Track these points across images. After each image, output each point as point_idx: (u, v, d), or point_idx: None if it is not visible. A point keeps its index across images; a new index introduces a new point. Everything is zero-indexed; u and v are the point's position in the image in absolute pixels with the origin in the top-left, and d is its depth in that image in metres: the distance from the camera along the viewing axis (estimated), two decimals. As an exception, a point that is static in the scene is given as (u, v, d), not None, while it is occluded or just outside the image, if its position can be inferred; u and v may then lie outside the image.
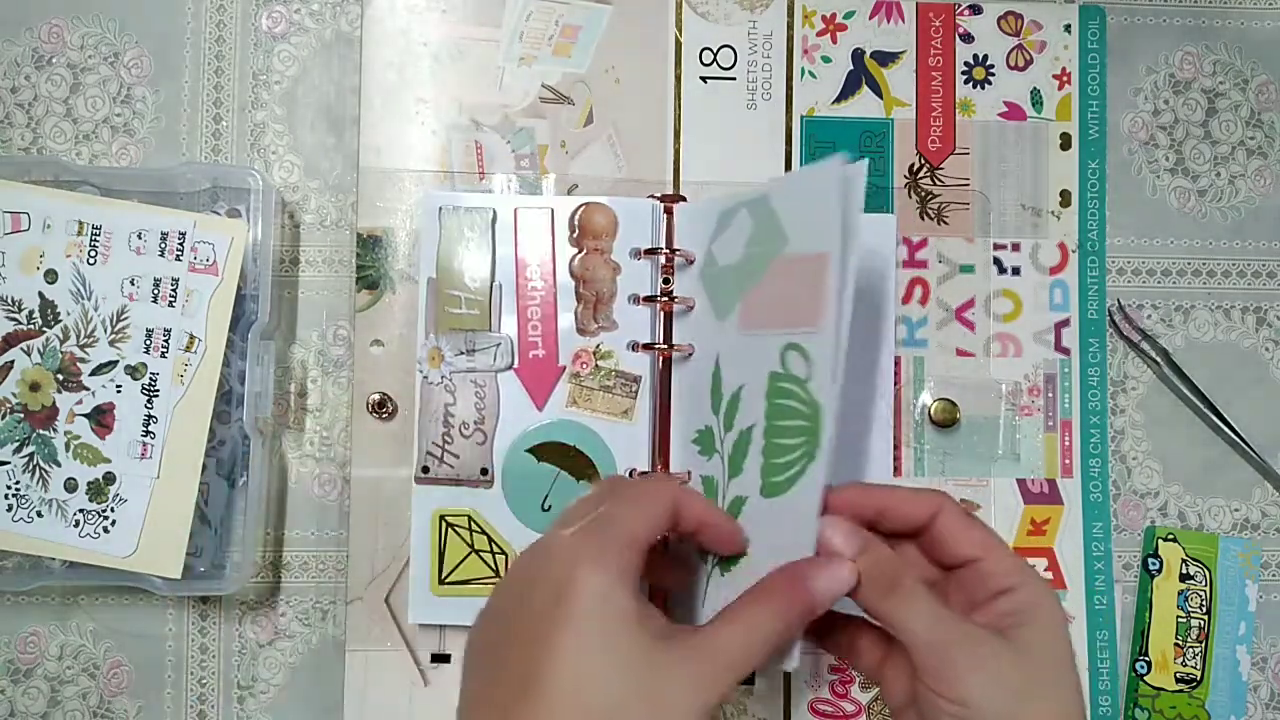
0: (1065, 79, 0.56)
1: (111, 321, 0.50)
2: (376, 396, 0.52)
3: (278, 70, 0.55)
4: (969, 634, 0.37)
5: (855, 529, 0.39)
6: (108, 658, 0.53)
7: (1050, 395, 0.54)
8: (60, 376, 0.50)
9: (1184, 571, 0.54)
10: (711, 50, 0.55)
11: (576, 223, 0.52)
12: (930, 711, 0.38)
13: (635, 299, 0.51)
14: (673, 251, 0.51)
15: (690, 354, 0.51)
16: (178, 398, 0.50)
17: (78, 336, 0.50)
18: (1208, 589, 0.54)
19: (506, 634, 0.36)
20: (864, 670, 0.42)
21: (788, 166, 0.54)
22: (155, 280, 0.50)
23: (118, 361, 0.50)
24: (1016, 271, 0.55)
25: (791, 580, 0.38)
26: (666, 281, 0.52)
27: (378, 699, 0.51)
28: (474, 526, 0.51)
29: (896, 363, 0.54)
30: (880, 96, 0.55)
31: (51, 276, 0.50)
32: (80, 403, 0.50)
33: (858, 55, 0.55)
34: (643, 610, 0.35)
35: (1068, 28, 0.56)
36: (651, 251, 0.51)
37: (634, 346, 0.51)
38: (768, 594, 0.37)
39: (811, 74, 0.55)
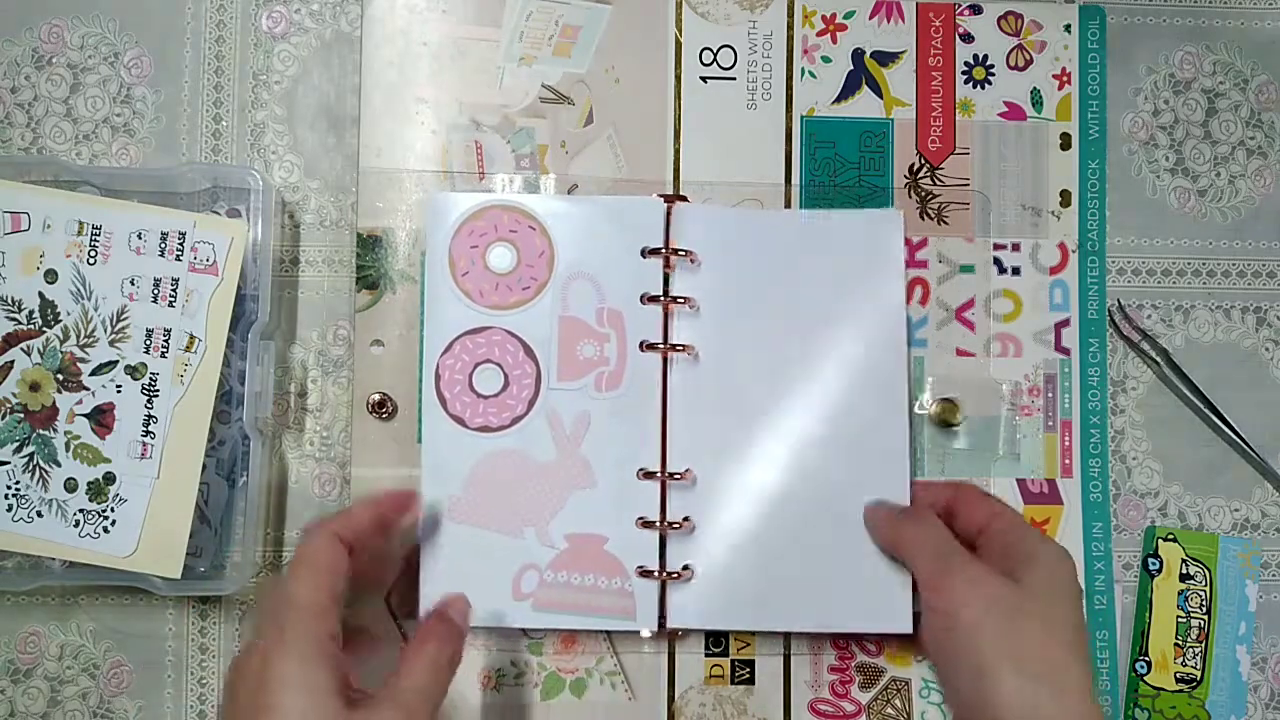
0: (1065, 79, 0.56)
1: (111, 321, 0.50)
2: (376, 396, 0.52)
3: (278, 70, 0.55)
4: (967, 560, 0.44)
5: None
6: (108, 658, 0.53)
7: (1050, 395, 0.54)
8: (60, 376, 0.50)
9: (1184, 571, 0.54)
10: (711, 50, 0.55)
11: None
12: (928, 623, 0.45)
13: (645, 298, 0.51)
14: (672, 252, 0.51)
15: (695, 354, 0.51)
16: (178, 398, 0.50)
17: (78, 336, 0.50)
18: (1208, 589, 0.54)
19: (231, 714, 0.39)
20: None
21: (788, 166, 0.54)
22: (155, 280, 0.50)
23: (118, 361, 0.50)
24: (1016, 271, 0.55)
25: (439, 619, 0.43)
26: (666, 280, 0.52)
27: (378, 699, 0.51)
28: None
29: (896, 363, 0.54)
30: (880, 96, 0.55)
31: (51, 276, 0.50)
32: (80, 403, 0.50)
33: (858, 55, 0.55)
34: (337, 684, 0.38)
35: (1068, 28, 0.56)
36: (655, 251, 0.51)
37: (643, 346, 0.51)
38: (426, 634, 0.42)
39: (811, 74, 0.55)
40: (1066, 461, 0.54)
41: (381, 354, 0.53)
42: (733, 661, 0.53)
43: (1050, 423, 0.54)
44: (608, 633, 0.52)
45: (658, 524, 0.51)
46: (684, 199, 0.53)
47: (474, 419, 0.52)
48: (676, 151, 0.54)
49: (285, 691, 0.37)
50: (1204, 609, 0.54)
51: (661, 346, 0.51)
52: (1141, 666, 0.54)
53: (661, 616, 0.51)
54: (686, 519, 0.51)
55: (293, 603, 0.39)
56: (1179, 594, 0.54)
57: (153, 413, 0.50)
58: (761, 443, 0.51)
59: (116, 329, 0.50)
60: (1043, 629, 0.42)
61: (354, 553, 0.42)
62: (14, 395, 0.50)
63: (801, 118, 0.55)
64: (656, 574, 0.51)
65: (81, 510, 0.49)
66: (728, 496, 0.51)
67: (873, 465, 0.51)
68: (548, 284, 0.52)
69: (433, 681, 0.41)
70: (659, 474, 0.51)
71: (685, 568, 0.51)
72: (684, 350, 0.51)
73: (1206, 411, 0.55)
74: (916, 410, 0.54)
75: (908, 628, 0.50)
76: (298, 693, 0.37)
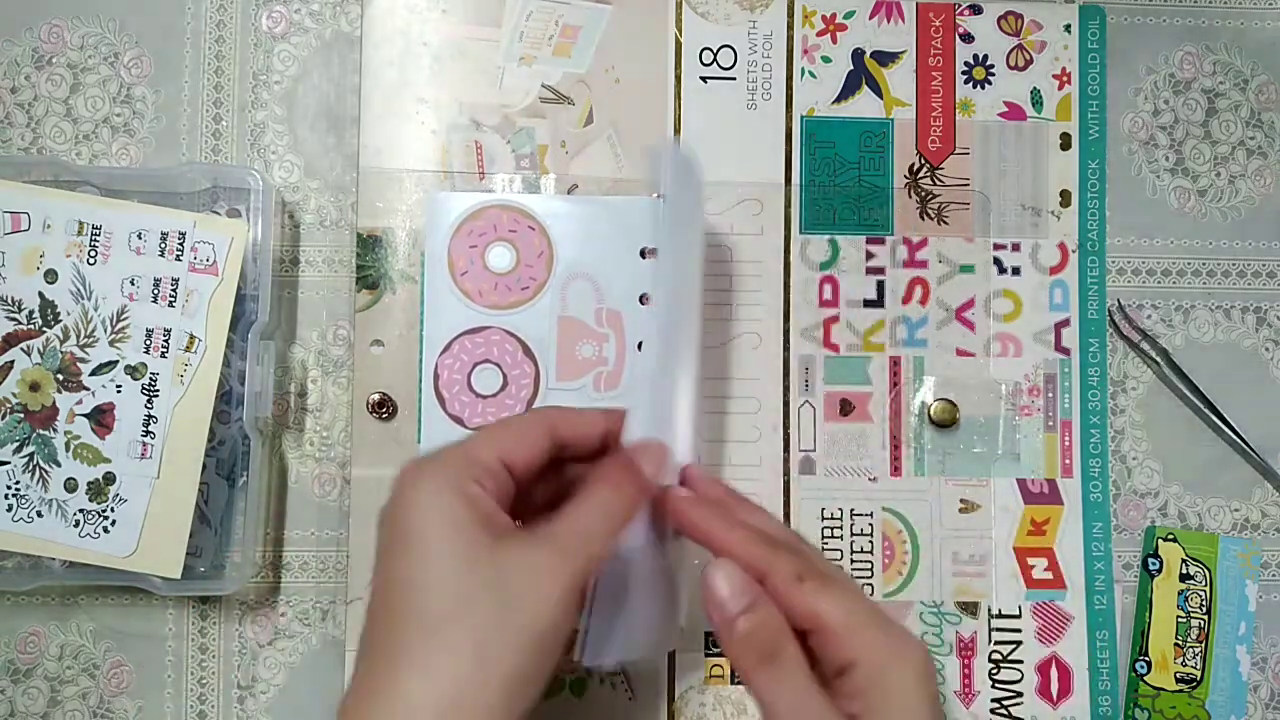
0: (1065, 79, 0.56)
1: (111, 321, 0.50)
2: (376, 396, 0.52)
3: (278, 70, 0.55)
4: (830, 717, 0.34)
5: (747, 581, 0.36)
6: (108, 658, 0.53)
7: (1050, 395, 0.54)
8: (60, 376, 0.50)
9: (1184, 571, 0.54)
10: (711, 50, 0.55)
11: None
12: None
13: (644, 298, 0.52)
14: (642, 253, 0.52)
15: None
16: (178, 398, 0.50)
17: (78, 336, 0.50)
18: (1208, 589, 0.54)
19: (374, 572, 0.36)
20: None
21: (788, 166, 0.54)
22: (155, 280, 0.50)
23: (118, 361, 0.50)
24: (1016, 271, 0.55)
25: (620, 461, 0.38)
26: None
27: (378, 699, 0.51)
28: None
29: (896, 362, 0.54)
30: (880, 96, 0.55)
31: (51, 276, 0.50)
32: (80, 403, 0.50)
33: (858, 55, 0.55)
34: (476, 514, 0.35)
35: (1068, 28, 0.56)
36: (655, 251, 0.51)
37: (641, 346, 0.51)
38: (603, 474, 0.38)
39: (811, 74, 0.55)
40: (1066, 461, 0.54)
41: (381, 354, 0.53)
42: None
43: (1050, 423, 0.54)
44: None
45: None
46: (660, 200, 0.53)
47: (472, 419, 0.52)
48: (676, 151, 0.54)
49: (421, 517, 0.35)
50: (1204, 609, 0.54)
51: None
52: (1141, 666, 0.54)
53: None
54: None
55: (453, 447, 0.37)
56: (1179, 594, 0.54)
57: (153, 413, 0.50)
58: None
59: (116, 329, 0.50)
60: None
61: (562, 450, 0.39)
62: (14, 395, 0.50)
63: (801, 118, 0.55)
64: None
65: (81, 510, 0.49)
66: None
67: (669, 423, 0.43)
68: (547, 284, 0.52)
69: (598, 527, 0.36)
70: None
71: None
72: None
73: (1206, 411, 0.55)
74: (915, 412, 0.54)
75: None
76: (434, 516, 0.35)
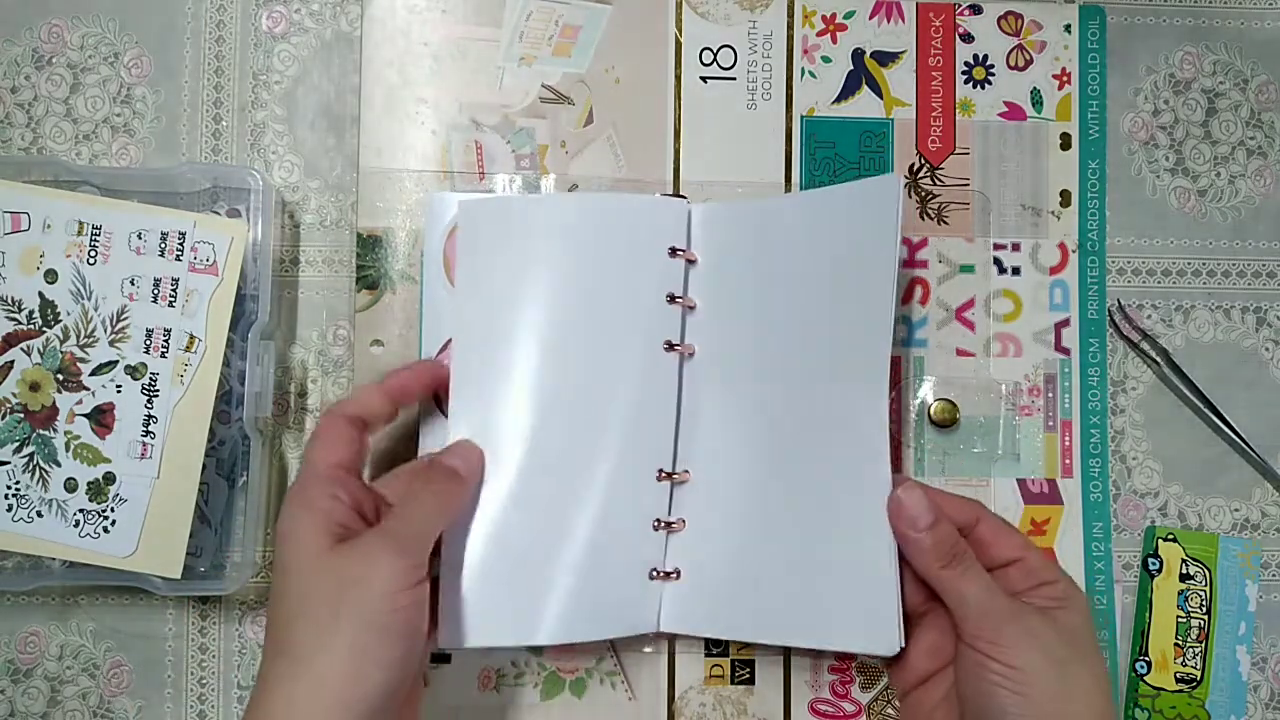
0: (1065, 79, 0.56)
1: (111, 321, 0.50)
2: (376, 396, 0.52)
3: (278, 70, 0.55)
4: (1019, 609, 0.43)
5: (930, 501, 0.45)
6: (108, 658, 0.53)
7: (1050, 395, 0.54)
8: (60, 376, 0.50)
9: (1184, 571, 0.54)
10: (711, 50, 0.55)
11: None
12: (977, 674, 0.43)
13: (670, 298, 0.50)
14: (673, 251, 0.51)
15: (692, 353, 0.51)
16: (178, 398, 0.50)
17: (78, 336, 0.50)
18: (1208, 589, 0.54)
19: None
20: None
21: (788, 166, 0.54)
22: (155, 280, 0.50)
23: (118, 361, 0.50)
24: (1016, 271, 0.55)
25: (437, 463, 0.47)
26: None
27: (378, 699, 0.51)
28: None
29: (896, 362, 0.54)
30: (880, 96, 0.55)
31: (51, 276, 0.50)
32: (80, 403, 0.50)
33: (858, 55, 0.55)
34: (329, 525, 0.42)
35: (1068, 28, 0.56)
36: (677, 250, 0.50)
37: (669, 346, 0.50)
38: (423, 478, 0.46)
39: (811, 74, 0.55)
40: (1066, 461, 0.54)
41: (381, 354, 0.53)
42: (733, 661, 0.53)
43: (1050, 423, 0.54)
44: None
45: (664, 525, 0.50)
46: (683, 199, 0.53)
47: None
48: (676, 151, 0.54)
49: (282, 538, 0.42)
50: (1204, 609, 0.54)
51: (679, 347, 0.51)
52: (1141, 666, 0.54)
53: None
54: (681, 520, 0.50)
55: (300, 470, 0.45)
56: (1179, 594, 0.54)
57: (153, 413, 0.50)
58: (754, 442, 0.49)
59: (116, 329, 0.50)
60: (1091, 681, 0.42)
61: (369, 428, 0.46)
62: (14, 395, 0.50)
63: (801, 118, 0.55)
64: (661, 576, 0.50)
65: (81, 510, 0.49)
66: (718, 498, 0.50)
67: (853, 464, 0.47)
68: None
69: (422, 518, 0.44)
70: (664, 474, 0.50)
71: (675, 570, 0.50)
72: (680, 349, 0.51)
73: (1206, 411, 0.55)
74: (915, 412, 0.54)
75: (894, 650, 0.45)
76: (290, 537, 0.42)
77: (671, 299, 0.50)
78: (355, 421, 0.45)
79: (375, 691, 0.39)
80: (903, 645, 0.45)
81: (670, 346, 0.50)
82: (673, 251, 0.50)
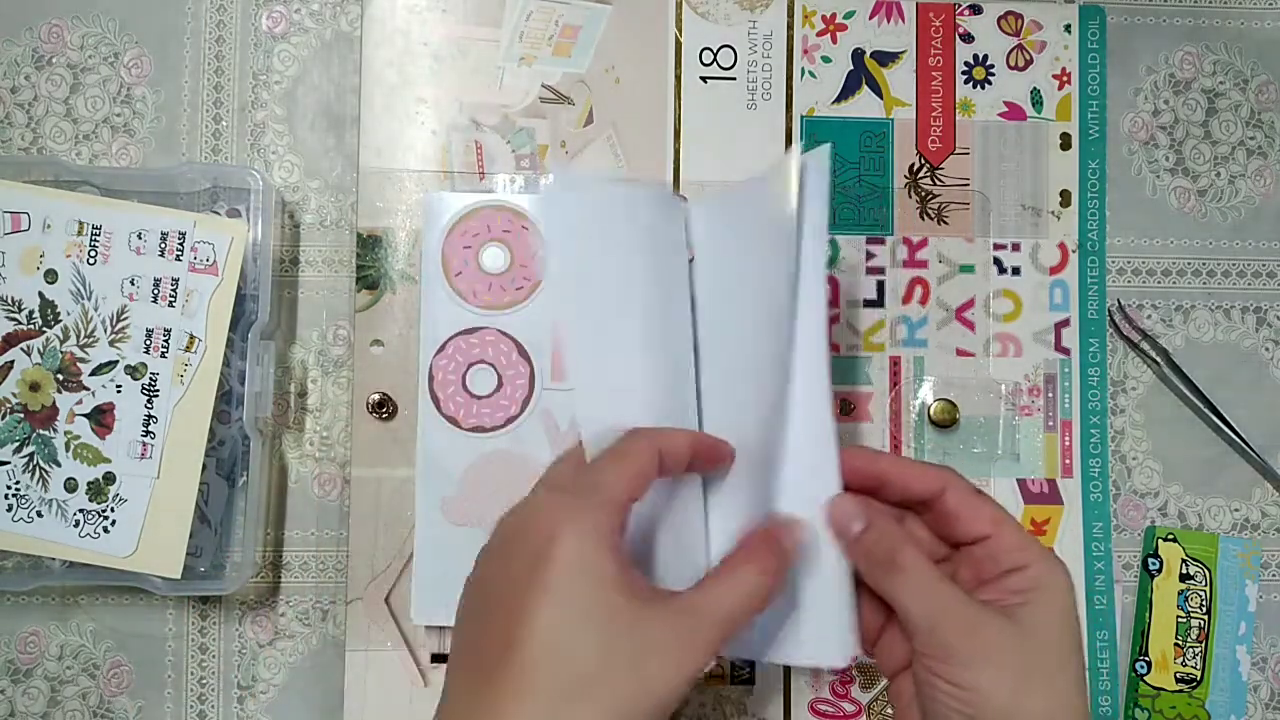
0: (1065, 79, 0.56)
1: (111, 321, 0.50)
2: (376, 396, 0.52)
3: (278, 70, 0.55)
4: (970, 618, 0.37)
5: (860, 504, 0.40)
6: (108, 658, 0.53)
7: (1050, 395, 0.54)
8: (60, 376, 0.50)
9: (1184, 571, 0.54)
10: (711, 50, 0.55)
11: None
12: (927, 689, 0.38)
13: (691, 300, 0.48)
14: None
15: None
16: (178, 398, 0.50)
17: (78, 336, 0.50)
18: (1208, 589, 0.54)
19: (488, 599, 0.36)
20: (864, 634, 0.42)
21: (788, 166, 0.54)
22: (155, 280, 0.50)
23: (118, 361, 0.50)
24: (1016, 271, 0.55)
25: (768, 540, 0.39)
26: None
27: (378, 699, 0.51)
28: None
29: (896, 362, 0.54)
30: (880, 96, 0.55)
31: (51, 276, 0.50)
32: (80, 403, 0.50)
33: (858, 55, 0.55)
34: (624, 574, 0.35)
35: (1068, 28, 0.56)
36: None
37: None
38: (748, 553, 0.38)
39: (811, 74, 0.55)
40: (1066, 461, 0.54)
41: (381, 354, 0.53)
42: (733, 661, 0.53)
43: (1050, 423, 0.54)
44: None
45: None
46: (683, 199, 0.53)
47: (468, 419, 0.52)
48: (676, 151, 0.54)
49: (568, 572, 0.34)
50: (1204, 609, 0.54)
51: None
52: (1141, 666, 0.54)
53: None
54: None
55: (598, 486, 0.37)
56: (1179, 594, 0.54)
57: (153, 413, 0.50)
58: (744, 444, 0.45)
59: (116, 329, 0.50)
60: (1050, 695, 0.37)
61: (661, 473, 0.39)
62: (14, 395, 0.50)
63: (801, 118, 0.55)
64: None
65: (81, 510, 0.49)
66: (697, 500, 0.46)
67: (805, 467, 0.42)
68: (541, 284, 0.52)
69: (739, 608, 0.37)
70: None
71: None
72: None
73: (1206, 411, 0.55)
74: (915, 412, 0.54)
75: (844, 662, 0.41)
76: (581, 577, 0.34)
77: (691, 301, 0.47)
78: (660, 457, 0.39)
79: None
80: (856, 655, 0.41)
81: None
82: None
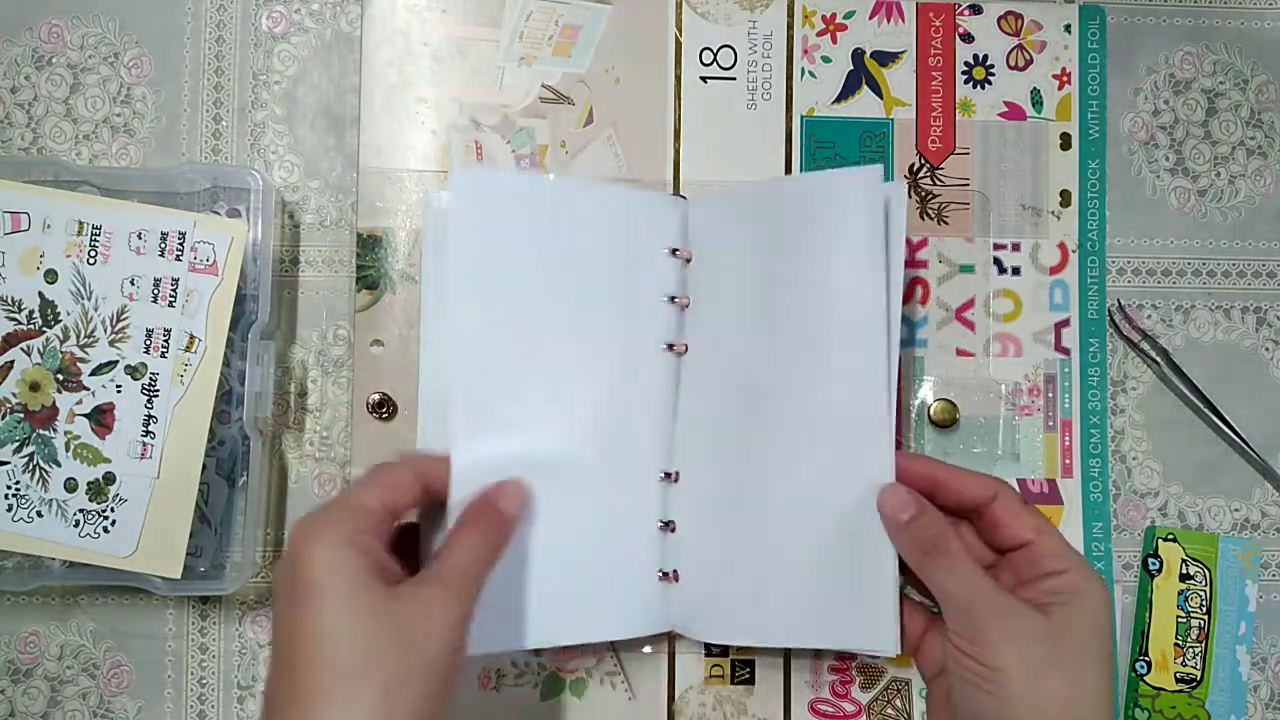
0: (1065, 79, 0.56)
1: (111, 321, 0.50)
2: (376, 396, 0.52)
3: (278, 70, 0.55)
4: (1003, 603, 0.41)
5: (911, 494, 0.44)
6: (108, 658, 0.53)
7: (1050, 395, 0.54)
8: (60, 376, 0.50)
9: (1184, 571, 0.54)
10: (711, 50, 0.55)
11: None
12: (957, 671, 0.42)
13: (670, 298, 0.50)
14: (673, 251, 0.51)
15: (684, 351, 0.50)
16: (178, 398, 0.50)
17: (78, 336, 0.50)
18: (1208, 589, 0.54)
19: (275, 624, 0.39)
20: (906, 637, 0.46)
21: (788, 167, 0.54)
22: (155, 280, 0.50)
23: (118, 361, 0.50)
24: (1016, 271, 0.55)
25: (485, 504, 0.43)
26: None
27: (378, 699, 0.51)
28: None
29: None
30: (880, 96, 0.55)
31: (51, 276, 0.50)
32: (80, 403, 0.50)
33: (858, 55, 0.55)
34: (374, 565, 0.38)
35: (1068, 28, 0.56)
36: (675, 250, 0.50)
37: (668, 347, 0.50)
38: (471, 520, 0.43)
39: (811, 74, 0.55)
40: (1066, 461, 0.54)
41: (381, 354, 0.53)
42: (733, 661, 0.53)
43: (1050, 423, 0.54)
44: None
45: (665, 526, 0.50)
46: (683, 198, 0.53)
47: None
48: (676, 151, 0.54)
49: (323, 572, 0.37)
50: (1204, 609, 0.54)
51: (678, 347, 0.50)
52: (1141, 666, 0.54)
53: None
54: (671, 521, 0.50)
55: (342, 501, 0.41)
56: (1179, 594, 0.54)
57: (153, 413, 0.50)
58: (747, 441, 0.49)
59: (116, 329, 0.50)
60: (1073, 687, 0.40)
61: (428, 491, 0.43)
62: (14, 395, 0.50)
63: (801, 118, 0.55)
64: (666, 577, 0.50)
65: (81, 510, 0.49)
66: (708, 499, 0.49)
67: (855, 461, 0.46)
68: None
69: (474, 561, 0.41)
70: (666, 475, 0.50)
71: (674, 572, 0.50)
72: (677, 349, 0.51)
73: (1206, 411, 0.55)
74: (915, 412, 0.54)
75: (894, 649, 0.45)
76: (333, 572, 0.37)
77: (670, 299, 0.50)
78: (420, 480, 0.43)
79: None
80: (899, 649, 0.45)
81: (669, 347, 0.50)
82: (672, 251, 0.50)
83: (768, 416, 0.48)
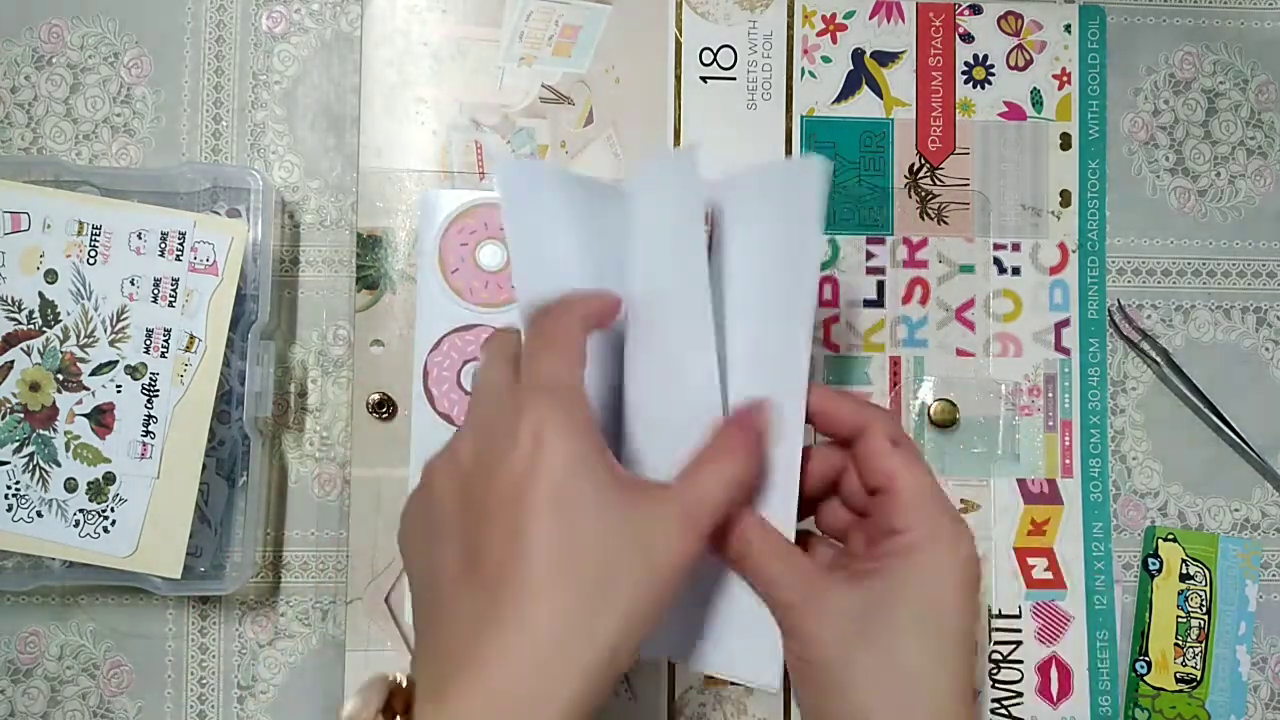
0: (1065, 79, 0.56)
1: (111, 321, 0.50)
2: (376, 396, 0.52)
3: (278, 70, 0.55)
4: (816, 587, 0.37)
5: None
6: (108, 658, 0.53)
7: (1050, 395, 0.54)
8: (60, 376, 0.50)
9: (1184, 571, 0.54)
10: (711, 50, 0.55)
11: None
12: (791, 673, 0.38)
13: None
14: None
15: None
16: (178, 398, 0.50)
17: (78, 336, 0.50)
18: (1208, 589, 0.54)
19: (470, 506, 0.34)
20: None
21: (788, 166, 0.54)
22: (155, 280, 0.50)
23: (118, 361, 0.50)
24: (1016, 271, 0.55)
25: (744, 428, 0.38)
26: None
27: (378, 699, 0.51)
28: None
29: (896, 362, 0.54)
30: (880, 96, 0.55)
31: (51, 276, 0.50)
32: (80, 403, 0.50)
33: (858, 55, 0.55)
34: (615, 469, 0.34)
35: (1068, 28, 0.56)
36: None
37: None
38: (725, 444, 0.37)
39: (811, 74, 0.55)
40: (1066, 461, 0.54)
41: (381, 354, 0.53)
42: (732, 661, 0.53)
43: (1050, 423, 0.54)
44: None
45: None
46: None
47: (461, 416, 0.51)
48: (676, 151, 0.54)
49: (565, 475, 0.33)
50: (1204, 609, 0.54)
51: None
52: (1141, 666, 0.54)
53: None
54: None
55: (556, 378, 0.35)
56: (1179, 594, 0.54)
57: (153, 413, 0.50)
58: (692, 439, 0.41)
59: (116, 329, 0.50)
60: (880, 663, 0.35)
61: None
62: (14, 395, 0.50)
63: (801, 118, 0.55)
64: None
65: (81, 510, 0.49)
66: None
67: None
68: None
69: (719, 496, 0.36)
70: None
71: None
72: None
73: (1206, 411, 0.55)
74: (915, 412, 0.54)
75: (775, 682, 0.39)
76: (576, 479, 0.33)
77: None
78: (588, 327, 0.38)
79: (614, 672, 0.33)
80: (780, 685, 0.39)
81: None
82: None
83: (703, 412, 0.42)
